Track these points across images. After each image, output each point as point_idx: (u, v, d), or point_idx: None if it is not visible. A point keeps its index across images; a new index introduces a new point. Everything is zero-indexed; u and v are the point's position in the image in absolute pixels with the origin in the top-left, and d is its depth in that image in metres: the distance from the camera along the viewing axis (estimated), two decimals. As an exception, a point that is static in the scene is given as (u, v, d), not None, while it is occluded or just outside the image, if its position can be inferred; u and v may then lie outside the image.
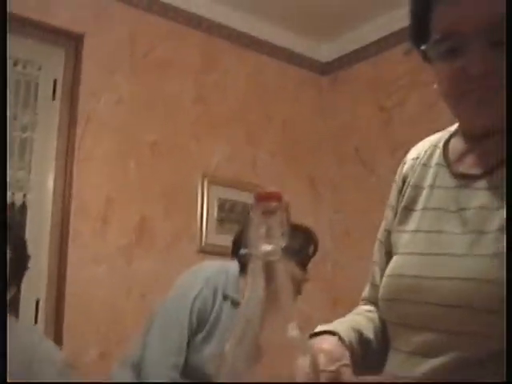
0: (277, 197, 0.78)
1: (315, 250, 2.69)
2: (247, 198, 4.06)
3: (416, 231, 1.24)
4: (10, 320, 2.28)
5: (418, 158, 1.35)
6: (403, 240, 1.26)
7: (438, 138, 1.36)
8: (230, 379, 0.73)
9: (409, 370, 1.13)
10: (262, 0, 4.28)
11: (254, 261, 0.77)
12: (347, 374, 0.99)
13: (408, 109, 4.20)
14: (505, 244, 1.05)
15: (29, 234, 3.45)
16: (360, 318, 1.29)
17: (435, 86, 1.24)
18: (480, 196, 1.16)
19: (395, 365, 1.19)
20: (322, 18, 4.45)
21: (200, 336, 2.42)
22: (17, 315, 3.06)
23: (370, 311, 1.33)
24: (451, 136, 1.33)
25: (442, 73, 1.20)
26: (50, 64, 3.80)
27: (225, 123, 4.34)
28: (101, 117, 3.82)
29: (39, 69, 3.76)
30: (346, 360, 1.03)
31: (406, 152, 1.39)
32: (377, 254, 1.38)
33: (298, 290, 2.48)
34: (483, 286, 1.05)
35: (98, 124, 3.80)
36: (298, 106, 4.75)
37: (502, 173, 1.15)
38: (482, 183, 1.17)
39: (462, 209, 1.17)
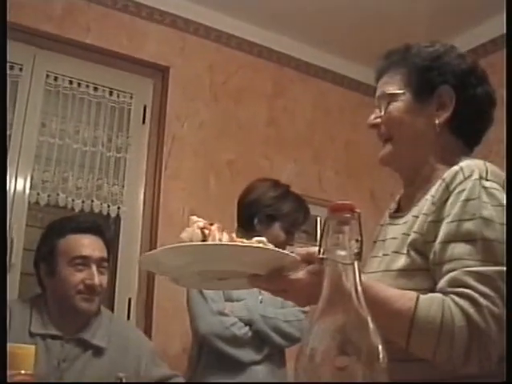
0: (350, 208, 0.82)
1: (305, 219, 2.76)
2: (314, 210, 4.11)
3: None
4: (107, 313, 2.50)
5: None
6: None
7: None
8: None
9: None
10: (326, 35, 4.37)
11: (330, 264, 0.82)
12: None
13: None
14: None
15: (122, 241, 3.71)
16: None
17: None
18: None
19: None
20: (374, 47, 4.50)
21: None
22: (112, 311, 3.15)
23: None
24: None
25: None
26: (141, 92, 4.01)
27: (293, 144, 4.42)
28: (184, 138, 4.01)
29: (131, 97, 3.97)
30: None
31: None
32: None
33: None
34: None
35: (182, 145, 3.98)
36: (357, 127, 4.58)
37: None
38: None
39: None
